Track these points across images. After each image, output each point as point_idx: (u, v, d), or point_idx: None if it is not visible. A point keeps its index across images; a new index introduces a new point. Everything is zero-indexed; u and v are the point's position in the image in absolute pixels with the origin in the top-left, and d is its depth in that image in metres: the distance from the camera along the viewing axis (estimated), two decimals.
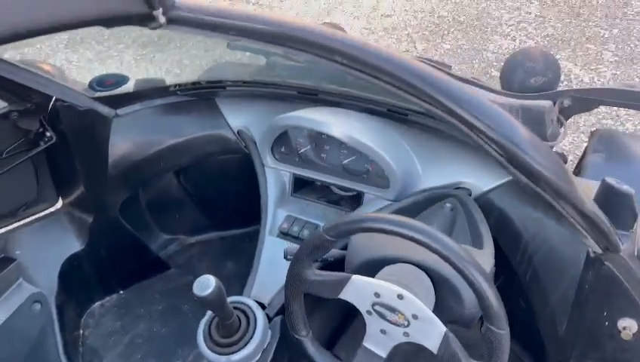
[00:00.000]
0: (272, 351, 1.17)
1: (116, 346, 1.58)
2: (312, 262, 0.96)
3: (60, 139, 1.48)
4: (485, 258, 1.03)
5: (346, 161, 1.41)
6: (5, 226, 1.51)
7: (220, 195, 1.87)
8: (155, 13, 0.71)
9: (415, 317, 0.90)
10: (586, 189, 0.97)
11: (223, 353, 1.11)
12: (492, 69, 3.65)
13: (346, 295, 0.95)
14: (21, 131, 1.42)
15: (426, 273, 0.99)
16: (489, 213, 1.24)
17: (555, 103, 1.56)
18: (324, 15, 4.65)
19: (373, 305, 0.93)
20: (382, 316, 0.93)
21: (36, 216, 1.58)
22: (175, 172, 1.84)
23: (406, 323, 0.92)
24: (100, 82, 1.43)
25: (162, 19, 0.72)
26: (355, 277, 0.94)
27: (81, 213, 1.63)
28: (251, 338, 1.13)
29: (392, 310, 0.92)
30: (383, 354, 0.96)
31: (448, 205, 1.26)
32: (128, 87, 1.54)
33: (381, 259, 1.01)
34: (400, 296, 0.90)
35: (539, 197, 0.87)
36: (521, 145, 0.72)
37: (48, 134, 1.46)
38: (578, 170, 1.56)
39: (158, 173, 1.69)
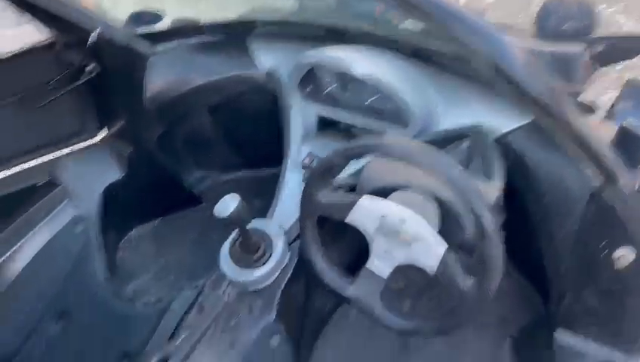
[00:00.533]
0: (290, 272, 1.25)
1: (150, 269, 1.71)
2: (323, 185, 1.02)
3: (101, 73, 1.57)
4: (491, 188, 1.06)
5: (369, 101, 1.44)
6: (52, 153, 1.64)
7: (252, 135, 1.94)
8: None
9: (417, 238, 0.96)
10: (605, 131, 0.99)
11: (244, 269, 1.20)
12: None
13: (354, 216, 1.01)
14: (65, 63, 1.52)
15: (434, 201, 1.03)
16: (506, 155, 1.26)
17: (587, 49, 1.54)
18: None
19: (379, 226, 0.99)
20: (386, 237, 0.99)
21: (80, 145, 1.70)
22: (209, 110, 1.91)
23: (408, 244, 0.97)
24: (137, 18, 1.50)
25: None
26: (364, 199, 0.99)
27: (121, 145, 1.73)
28: (270, 257, 1.21)
29: (396, 231, 0.97)
30: (384, 275, 1.02)
31: (465, 143, 1.29)
32: (165, 24, 1.61)
33: (390, 186, 1.06)
34: (404, 218, 0.96)
35: (555, 139, 0.89)
36: (506, 59, 0.74)
37: (90, 67, 1.55)
38: (607, 118, 1.54)
39: (191, 110, 1.77)
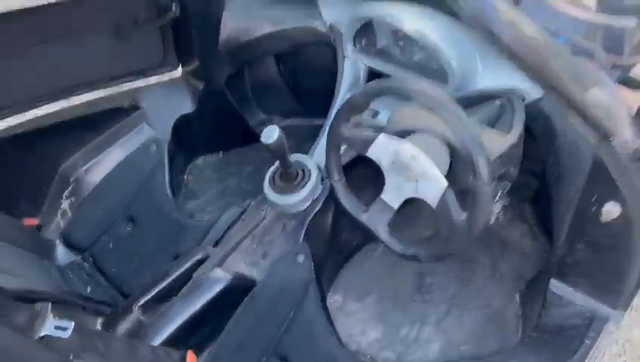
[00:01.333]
0: (320, 203, 1.41)
1: (211, 191, 1.94)
2: (348, 119, 1.16)
3: (182, 15, 1.78)
4: (502, 140, 1.15)
5: (416, 58, 1.54)
6: (136, 82, 1.88)
7: (313, 85, 2.09)
8: None
9: (423, 174, 1.08)
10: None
11: (282, 194, 1.38)
12: None
13: (372, 151, 1.14)
14: (152, 4, 1.73)
15: (447, 146, 1.15)
16: (537, 119, 1.33)
17: None
18: None
19: (393, 162, 1.12)
20: (398, 172, 1.12)
21: (161, 77, 1.93)
22: (276, 58, 2.08)
23: (416, 179, 1.10)
24: None
25: None
26: (382, 136, 1.12)
27: (195, 81, 1.95)
28: (304, 187, 1.38)
29: (407, 167, 1.10)
30: (395, 206, 1.16)
31: (498, 102, 1.37)
32: None
33: (411, 129, 1.18)
34: (414, 156, 1.08)
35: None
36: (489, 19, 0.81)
37: (174, 8, 1.76)
38: None
39: (259, 55, 1.94)
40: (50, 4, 1.58)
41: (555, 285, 1.17)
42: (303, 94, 2.17)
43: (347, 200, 1.24)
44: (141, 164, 1.81)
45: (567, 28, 1.51)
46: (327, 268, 1.52)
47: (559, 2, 1.61)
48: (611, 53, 1.48)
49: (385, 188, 1.17)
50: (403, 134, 1.18)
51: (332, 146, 1.21)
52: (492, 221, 1.27)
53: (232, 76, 1.98)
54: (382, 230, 1.18)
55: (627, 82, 1.69)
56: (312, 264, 1.38)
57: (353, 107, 1.14)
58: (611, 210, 0.99)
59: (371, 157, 1.15)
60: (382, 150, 1.13)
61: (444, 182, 1.06)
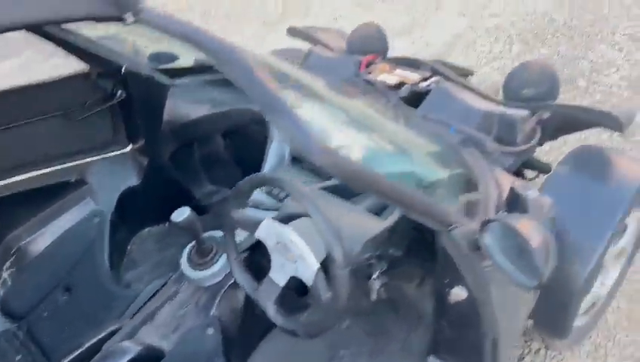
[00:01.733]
0: (233, 277, 1.51)
1: (148, 262, 2.04)
2: (238, 204, 1.29)
3: (128, 98, 1.95)
4: (374, 224, 1.26)
5: None
6: (86, 158, 2.03)
7: (256, 159, 2.23)
8: (125, 16, 1.06)
9: (300, 256, 1.19)
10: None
11: (197, 269, 1.49)
12: (581, 79, 3.57)
13: (260, 233, 1.26)
14: (100, 89, 1.90)
15: None
16: None
17: (537, 114, 1.68)
18: (433, 11, 4.74)
19: (277, 243, 1.23)
20: (281, 254, 1.23)
21: (109, 154, 2.08)
22: (222, 134, 2.24)
23: (295, 260, 1.20)
24: (156, 57, 1.86)
25: (130, 20, 1.08)
26: (266, 220, 1.24)
27: (141, 157, 2.10)
28: (217, 262, 1.49)
29: (288, 250, 1.21)
30: (281, 284, 1.26)
31: None
32: (183, 62, 1.95)
33: (299, 214, 1.30)
34: (291, 239, 1.19)
35: None
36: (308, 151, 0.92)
37: (119, 92, 1.93)
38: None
39: (202, 134, 2.10)
40: (4, 92, 1.75)
41: (432, 361, 1.25)
42: (249, 167, 2.31)
43: (242, 277, 1.34)
44: (83, 236, 1.93)
45: (466, 117, 1.66)
46: (242, 340, 1.60)
47: (462, 93, 1.78)
48: (505, 140, 1.63)
49: (272, 267, 1.27)
50: (290, 218, 1.30)
51: (227, 228, 1.33)
52: (373, 297, 1.36)
53: (180, 150, 2.13)
54: (269, 306, 1.27)
55: (528, 164, 1.83)
56: (221, 337, 1.47)
57: (240, 193, 1.27)
58: (459, 293, 1.09)
59: (259, 238, 1.26)
60: (266, 232, 1.25)
61: (316, 265, 1.16)
